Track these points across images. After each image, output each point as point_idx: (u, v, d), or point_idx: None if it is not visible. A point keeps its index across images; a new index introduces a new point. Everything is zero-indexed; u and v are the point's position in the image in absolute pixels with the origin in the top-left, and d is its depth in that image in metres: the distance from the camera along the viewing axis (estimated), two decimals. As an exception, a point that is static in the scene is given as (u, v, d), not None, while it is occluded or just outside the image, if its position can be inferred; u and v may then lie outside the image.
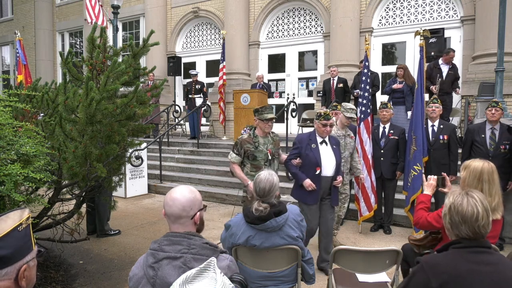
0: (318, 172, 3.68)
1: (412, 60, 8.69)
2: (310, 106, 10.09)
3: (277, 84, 10.91)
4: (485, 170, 2.37)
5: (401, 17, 9.09)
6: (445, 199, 1.72)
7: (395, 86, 6.68)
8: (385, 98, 7.71)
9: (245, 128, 6.10)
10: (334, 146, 3.83)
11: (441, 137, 4.77)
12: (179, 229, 1.60)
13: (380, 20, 9.33)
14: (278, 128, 9.93)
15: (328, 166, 3.72)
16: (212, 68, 11.94)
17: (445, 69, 6.56)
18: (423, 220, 2.50)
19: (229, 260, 1.59)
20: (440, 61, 6.60)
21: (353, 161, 4.66)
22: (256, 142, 3.82)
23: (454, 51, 6.66)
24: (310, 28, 10.34)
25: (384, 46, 9.39)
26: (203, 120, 10.89)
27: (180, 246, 1.53)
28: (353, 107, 4.48)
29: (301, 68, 10.63)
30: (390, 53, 9.47)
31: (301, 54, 10.60)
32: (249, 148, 3.79)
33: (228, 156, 3.85)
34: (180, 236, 1.56)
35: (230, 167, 3.94)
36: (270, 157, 3.86)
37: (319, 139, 3.78)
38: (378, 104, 6.48)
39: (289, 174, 4.08)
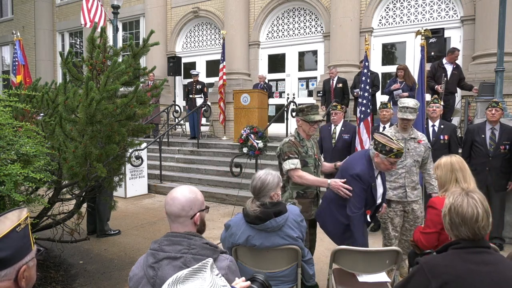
0: (368, 216, 2.92)
1: (412, 60, 8.69)
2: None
3: (277, 84, 10.91)
4: (454, 161, 2.44)
5: (401, 17, 9.09)
6: (445, 199, 1.71)
7: (393, 87, 6.68)
8: (385, 98, 7.71)
9: (245, 128, 6.11)
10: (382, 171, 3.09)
11: (441, 137, 4.76)
12: (178, 229, 1.60)
13: (380, 20, 9.33)
14: (278, 128, 9.97)
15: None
16: (212, 68, 11.94)
17: (449, 68, 6.55)
18: (420, 240, 2.53)
19: (229, 261, 1.59)
20: (444, 60, 6.58)
21: (426, 174, 3.65)
22: (304, 146, 3.14)
23: (458, 50, 6.65)
24: (310, 28, 10.34)
25: (384, 46, 9.39)
26: (203, 120, 10.90)
27: (180, 246, 1.53)
28: (411, 104, 3.46)
29: (301, 68, 10.63)
30: (390, 53, 9.47)
31: (301, 54, 10.60)
32: (300, 152, 3.10)
33: (284, 167, 3.03)
34: (180, 236, 1.56)
35: (296, 177, 3.00)
36: (318, 163, 3.25)
37: (375, 172, 2.89)
38: (378, 104, 6.49)
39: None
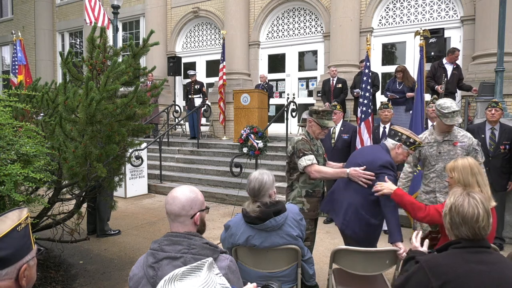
0: None
1: (412, 60, 8.69)
2: (310, 106, 10.07)
3: (277, 84, 10.91)
4: (472, 163, 2.39)
5: (401, 17, 9.09)
6: (446, 199, 1.72)
7: (390, 96, 6.71)
8: (385, 98, 7.72)
9: (245, 128, 6.10)
10: None
11: (441, 137, 4.76)
12: (179, 228, 1.61)
13: (380, 20, 9.33)
14: (278, 128, 9.97)
15: None
16: (212, 68, 11.94)
17: (449, 68, 6.55)
18: (433, 212, 2.44)
19: (229, 260, 1.59)
20: (444, 60, 6.59)
21: None
22: (315, 145, 3.18)
23: (458, 50, 6.65)
24: (310, 28, 10.34)
25: (384, 46, 9.39)
26: (203, 120, 10.90)
27: (180, 246, 1.53)
28: (455, 106, 3.18)
29: (301, 68, 10.64)
30: (390, 53, 9.47)
31: (301, 54, 10.60)
32: (312, 150, 3.10)
33: (301, 164, 3.00)
34: (180, 236, 1.56)
35: (314, 172, 2.97)
36: (325, 162, 3.27)
37: None
38: (378, 104, 6.49)
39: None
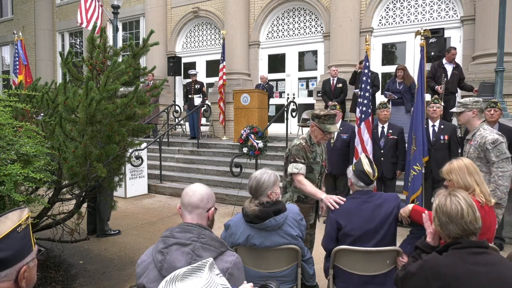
0: None
1: (412, 60, 8.69)
2: (310, 106, 10.09)
3: (277, 84, 10.91)
4: (467, 163, 2.36)
5: (401, 17, 9.09)
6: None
7: (388, 96, 6.72)
8: (384, 98, 7.71)
9: (245, 128, 6.10)
10: None
11: (441, 137, 4.77)
12: (193, 221, 1.67)
13: (380, 20, 9.33)
14: (278, 128, 9.97)
15: None
16: (212, 68, 11.94)
17: (449, 68, 6.55)
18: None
19: (236, 257, 1.63)
20: (444, 60, 6.59)
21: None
22: (314, 152, 3.13)
23: (455, 48, 6.65)
24: (310, 28, 10.34)
25: (384, 46, 9.39)
26: (203, 120, 10.89)
27: (190, 234, 1.59)
28: (462, 100, 3.35)
29: (301, 68, 10.63)
30: (390, 53, 9.47)
31: (301, 54, 10.60)
32: (308, 158, 3.09)
33: (289, 169, 3.04)
34: (192, 226, 1.63)
35: (296, 181, 3.01)
36: (323, 170, 3.25)
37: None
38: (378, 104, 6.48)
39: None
